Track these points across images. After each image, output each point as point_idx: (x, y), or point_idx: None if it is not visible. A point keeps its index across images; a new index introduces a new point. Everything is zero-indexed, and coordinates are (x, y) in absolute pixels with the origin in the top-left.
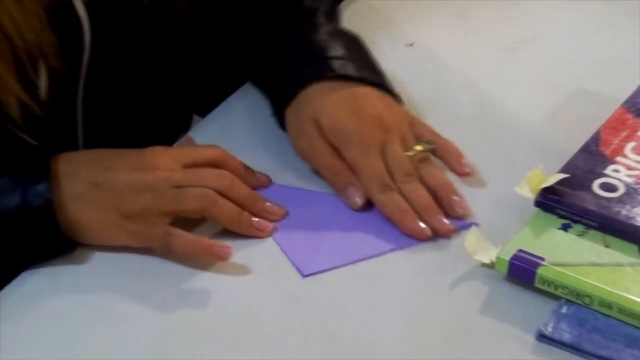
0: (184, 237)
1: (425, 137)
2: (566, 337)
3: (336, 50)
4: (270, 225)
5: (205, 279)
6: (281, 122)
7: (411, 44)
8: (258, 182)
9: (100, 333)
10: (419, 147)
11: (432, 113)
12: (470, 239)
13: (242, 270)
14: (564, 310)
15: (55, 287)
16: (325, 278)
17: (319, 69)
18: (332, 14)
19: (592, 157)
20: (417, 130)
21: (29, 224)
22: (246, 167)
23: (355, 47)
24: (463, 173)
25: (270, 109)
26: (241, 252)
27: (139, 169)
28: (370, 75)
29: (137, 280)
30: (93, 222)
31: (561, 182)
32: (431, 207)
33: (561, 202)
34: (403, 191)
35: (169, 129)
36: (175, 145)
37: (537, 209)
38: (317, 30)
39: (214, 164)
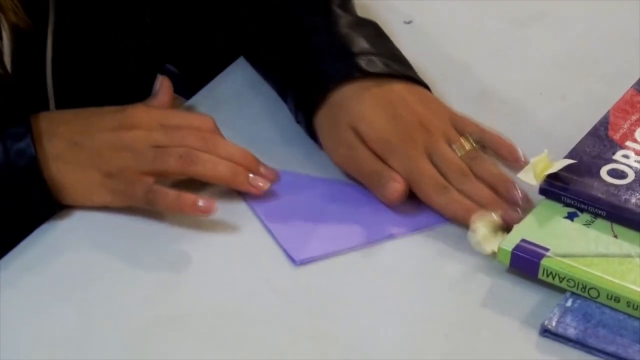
0: (166, 194)
1: (471, 134)
2: (571, 332)
3: (360, 44)
4: (267, 185)
5: (189, 269)
6: (308, 127)
7: (410, 22)
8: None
9: (79, 326)
10: (467, 146)
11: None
12: (472, 227)
13: (228, 260)
14: (569, 303)
15: (34, 278)
16: (317, 269)
17: (347, 69)
18: (347, 1)
19: (600, 142)
20: (459, 126)
21: (15, 185)
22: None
23: (378, 38)
24: (519, 165)
25: (293, 113)
26: (227, 240)
27: (118, 127)
28: (399, 68)
29: (118, 270)
30: (74, 182)
31: (567, 168)
32: (497, 202)
33: (567, 190)
34: (462, 192)
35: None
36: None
37: (541, 197)
38: (337, 24)
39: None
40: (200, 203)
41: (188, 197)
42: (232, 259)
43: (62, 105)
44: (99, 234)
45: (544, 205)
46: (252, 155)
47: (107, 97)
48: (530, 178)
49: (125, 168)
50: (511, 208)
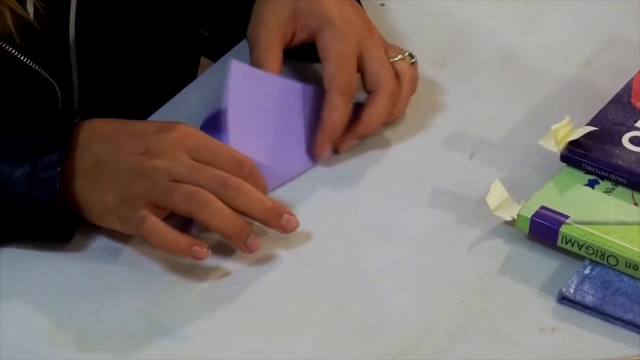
0: (162, 233)
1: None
2: (589, 299)
3: None
4: (260, 245)
5: (208, 237)
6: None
7: None
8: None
9: (97, 291)
10: (401, 56)
11: (454, 61)
12: (492, 192)
13: None
14: (587, 271)
15: (52, 244)
16: (333, 235)
17: None
18: None
19: (623, 109)
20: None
21: (32, 203)
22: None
23: None
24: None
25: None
26: None
27: (143, 153)
28: None
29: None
30: (91, 202)
31: (589, 135)
32: (370, 130)
33: (588, 157)
34: (377, 101)
35: (173, 66)
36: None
37: (563, 164)
38: None
39: (233, 173)
40: (195, 248)
41: (184, 242)
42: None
43: (82, 57)
44: None
45: (565, 172)
46: (278, 208)
47: (132, 54)
48: (551, 144)
49: (137, 196)
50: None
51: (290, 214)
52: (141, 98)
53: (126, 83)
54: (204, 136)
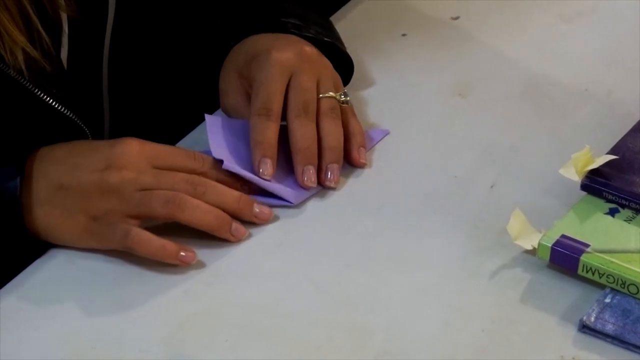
0: (149, 241)
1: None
2: (609, 328)
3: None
4: (246, 232)
5: (227, 263)
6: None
7: (457, 18)
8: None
9: (119, 321)
10: (332, 94)
11: (475, 91)
12: (513, 221)
13: (266, 256)
14: (608, 299)
15: (73, 273)
16: (355, 264)
17: (267, 26)
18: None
19: None
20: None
21: None
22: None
23: (322, 22)
24: (358, 163)
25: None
26: (263, 235)
27: (105, 168)
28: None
29: (159, 266)
30: (60, 226)
31: (609, 164)
32: (309, 154)
33: (608, 186)
34: (290, 125)
35: (201, 95)
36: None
37: (583, 193)
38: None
39: (192, 168)
40: (182, 254)
41: (171, 248)
42: (270, 252)
43: (116, 102)
44: None
45: (585, 201)
46: (246, 197)
47: (164, 97)
48: (571, 173)
49: (110, 211)
50: (314, 170)
51: (261, 204)
52: (170, 136)
53: (156, 122)
54: (156, 144)
